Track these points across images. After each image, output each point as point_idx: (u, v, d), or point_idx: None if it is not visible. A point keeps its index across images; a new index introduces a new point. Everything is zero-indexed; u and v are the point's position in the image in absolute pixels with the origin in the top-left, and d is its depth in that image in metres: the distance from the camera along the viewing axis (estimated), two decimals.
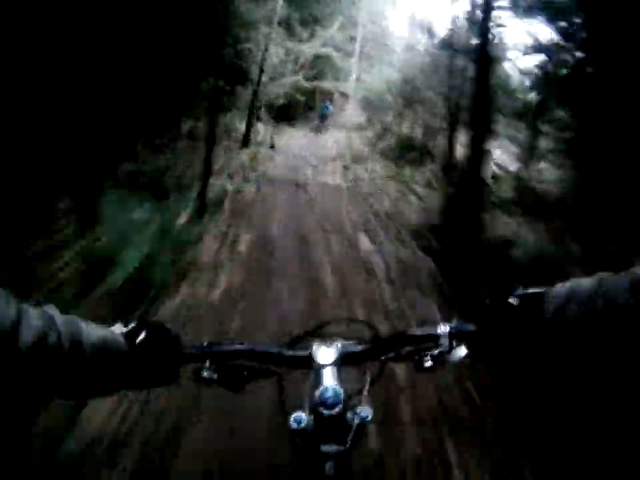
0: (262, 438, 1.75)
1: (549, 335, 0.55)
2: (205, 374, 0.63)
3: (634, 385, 1.57)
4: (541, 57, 5.80)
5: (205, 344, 0.64)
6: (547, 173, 5.67)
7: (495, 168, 6.47)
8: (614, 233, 3.25)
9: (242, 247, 4.24)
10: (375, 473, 1.62)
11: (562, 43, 5.07)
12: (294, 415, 0.65)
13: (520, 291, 0.59)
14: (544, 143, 5.90)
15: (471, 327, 0.63)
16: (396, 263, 4.06)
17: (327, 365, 0.63)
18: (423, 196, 6.58)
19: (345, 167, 8.95)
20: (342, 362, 0.65)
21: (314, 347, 0.65)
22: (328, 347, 0.65)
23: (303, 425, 0.64)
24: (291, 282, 3.47)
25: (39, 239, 3.13)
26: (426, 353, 0.63)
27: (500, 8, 5.17)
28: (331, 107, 14.69)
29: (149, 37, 4.84)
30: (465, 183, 5.10)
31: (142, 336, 0.58)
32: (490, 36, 4.87)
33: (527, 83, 6.67)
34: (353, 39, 15.18)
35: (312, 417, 0.63)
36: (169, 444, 1.78)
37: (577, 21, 4.75)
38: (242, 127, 9.03)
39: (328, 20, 13.79)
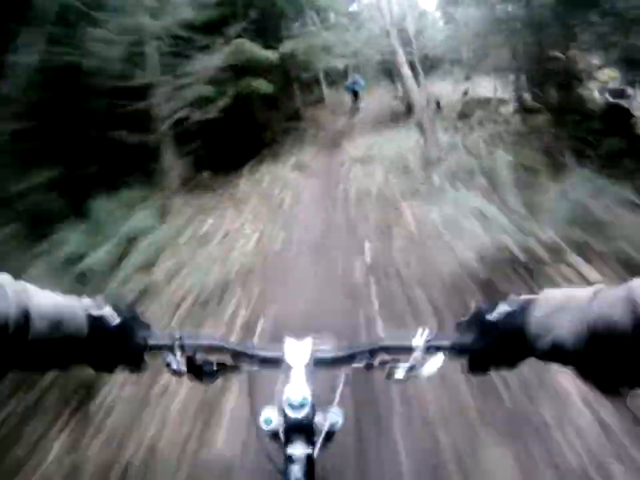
0: None
1: (533, 352, 0.51)
2: (174, 365, 0.61)
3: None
4: None
5: (177, 333, 0.62)
6: None
7: None
8: None
9: None
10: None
11: None
12: (265, 415, 0.64)
13: (504, 305, 0.55)
14: None
15: (447, 342, 0.59)
16: None
17: (296, 367, 0.63)
18: None
19: None
20: (313, 365, 0.64)
21: (286, 348, 0.65)
22: (299, 349, 0.65)
23: (272, 425, 0.63)
24: None
25: None
26: (398, 365, 0.61)
27: None
28: (362, 81, 13.01)
29: None
30: None
31: (106, 313, 0.56)
32: None
33: None
34: None
35: (281, 419, 0.62)
36: None
37: None
38: None
39: None
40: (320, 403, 0.64)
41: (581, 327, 0.43)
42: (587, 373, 0.45)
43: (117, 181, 4.57)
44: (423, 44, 12.63)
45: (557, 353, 0.47)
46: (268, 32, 9.34)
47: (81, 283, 3.05)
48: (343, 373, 0.70)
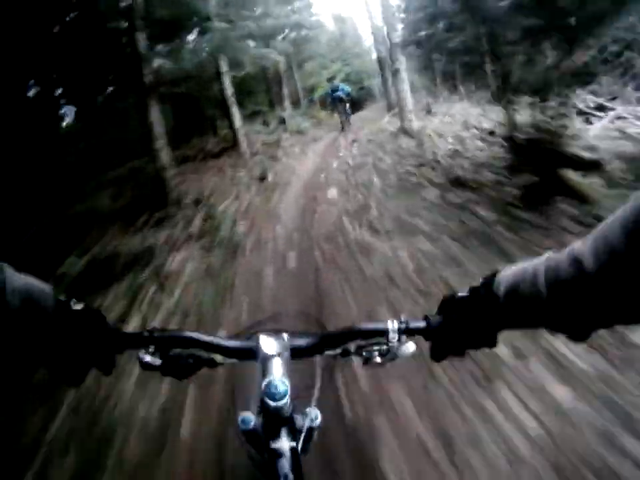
0: None
1: (501, 320, 0.55)
2: (147, 359, 0.59)
3: None
4: None
5: (147, 330, 0.61)
6: None
7: None
8: None
9: None
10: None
11: None
12: (242, 416, 0.63)
13: (472, 285, 0.59)
14: None
15: (421, 323, 0.61)
16: None
17: (273, 356, 0.62)
18: None
19: None
20: (289, 355, 0.63)
21: (260, 338, 0.64)
22: (275, 338, 0.64)
23: (251, 425, 0.62)
24: None
25: None
26: (375, 348, 0.62)
27: None
28: (347, 88, 11.38)
29: None
30: None
31: (76, 307, 0.56)
32: None
33: None
34: None
35: (260, 416, 0.62)
36: None
37: None
38: None
39: None
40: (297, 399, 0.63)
41: (540, 292, 0.48)
42: (556, 327, 0.50)
43: None
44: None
45: (525, 319, 0.53)
46: None
47: None
48: (317, 375, 0.70)
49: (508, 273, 0.54)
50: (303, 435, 0.61)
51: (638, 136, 4.45)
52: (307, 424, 0.62)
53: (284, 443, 0.59)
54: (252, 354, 0.63)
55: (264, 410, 0.60)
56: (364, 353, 0.63)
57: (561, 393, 1.59)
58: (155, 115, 5.37)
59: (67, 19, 5.60)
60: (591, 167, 3.34)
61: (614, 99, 5.70)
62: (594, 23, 3.07)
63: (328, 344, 0.64)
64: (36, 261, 3.44)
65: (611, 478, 1.26)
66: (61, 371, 0.55)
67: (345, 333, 0.64)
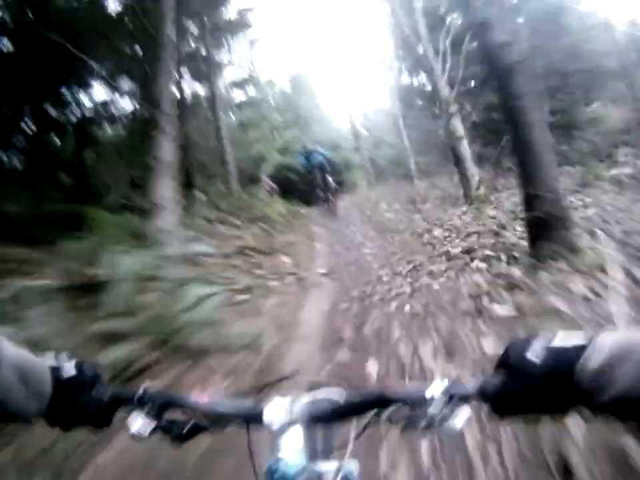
0: None
1: (586, 404, 0.44)
2: (138, 421, 0.56)
3: None
4: None
5: (141, 388, 0.58)
6: None
7: None
8: None
9: None
10: None
11: None
12: None
13: (542, 343, 0.47)
14: None
15: (472, 389, 0.51)
16: None
17: (285, 426, 0.55)
18: None
19: None
20: (307, 420, 0.55)
21: (270, 402, 0.57)
22: (288, 402, 0.56)
23: None
24: None
25: None
26: (413, 417, 0.52)
27: None
28: (326, 152, 9.35)
29: None
30: None
31: (70, 372, 0.56)
32: None
33: None
34: None
35: None
36: None
37: None
38: None
39: None
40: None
41: None
42: None
43: None
44: None
45: (617, 410, 0.41)
46: None
47: None
48: (352, 426, 0.58)
49: (606, 342, 0.43)
50: None
51: None
52: None
53: None
54: (259, 419, 0.56)
55: None
56: (400, 421, 0.53)
57: None
58: None
59: None
60: None
61: None
62: None
63: (354, 409, 0.56)
64: None
65: None
66: (55, 426, 0.56)
67: (375, 398, 0.54)
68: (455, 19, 8.92)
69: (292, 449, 0.53)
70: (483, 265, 3.74)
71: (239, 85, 18.75)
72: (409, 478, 1.42)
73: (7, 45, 6.58)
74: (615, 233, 3.59)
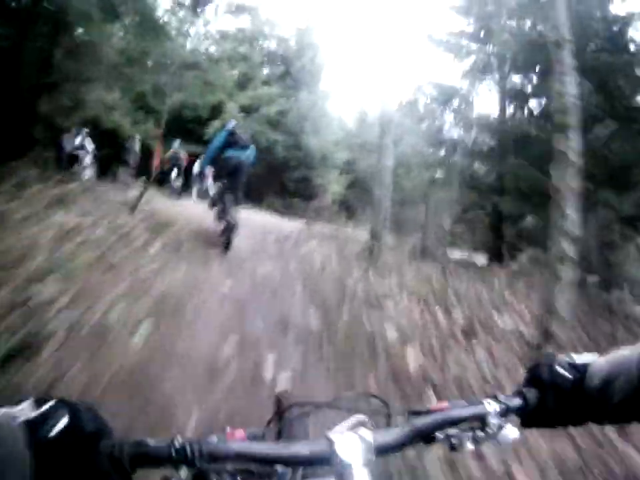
0: None
1: (590, 411, 0.53)
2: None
3: None
4: None
5: (176, 442, 0.42)
6: None
7: None
8: None
9: None
10: None
11: None
12: None
13: (564, 360, 0.56)
14: None
15: (520, 401, 0.55)
16: None
17: (355, 466, 0.45)
18: None
19: None
20: (374, 456, 0.47)
21: (335, 439, 0.47)
22: (355, 438, 0.47)
23: None
24: None
25: None
26: (466, 433, 0.53)
27: None
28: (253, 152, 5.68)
29: None
30: None
31: (59, 426, 0.37)
32: None
33: None
34: None
35: None
36: None
37: None
38: None
39: None
40: None
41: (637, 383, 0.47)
42: None
43: None
44: None
45: (618, 415, 0.51)
46: None
47: None
48: None
49: (602, 362, 0.53)
50: None
51: None
52: None
53: None
54: (324, 461, 0.47)
55: None
56: (452, 440, 0.53)
57: None
58: None
59: None
60: None
61: None
62: None
63: (418, 435, 0.53)
64: None
65: None
66: None
67: (438, 421, 0.53)
68: None
69: None
70: None
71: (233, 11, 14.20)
72: None
73: None
74: None
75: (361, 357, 3.10)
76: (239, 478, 0.51)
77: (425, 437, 0.52)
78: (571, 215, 3.37)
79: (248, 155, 5.51)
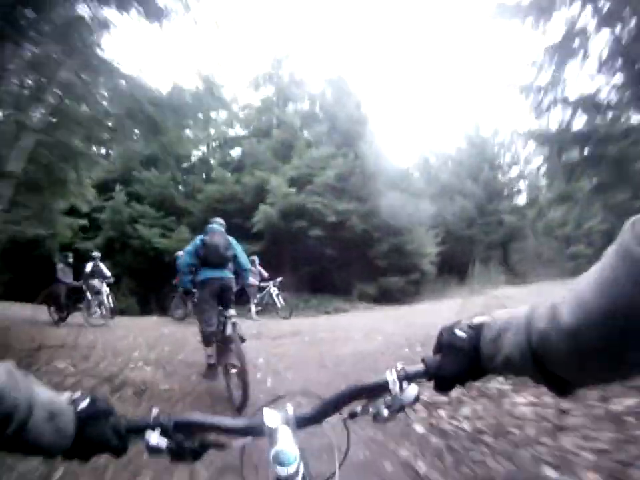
0: None
1: (487, 370, 0.57)
2: (153, 442, 0.61)
3: None
4: None
5: (152, 415, 0.63)
6: None
7: None
8: None
9: None
10: None
11: None
12: None
13: (463, 323, 0.60)
14: None
15: (419, 367, 0.62)
16: None
17: (278, 428, 0.63)
18: None
19: None
20: (296, 425, 0.65)
21: (264, 413, 0.65)
22: (278, 411, 0.65)
23: None
24: None
25: None
26: (379, 402, 0.62)
27: None
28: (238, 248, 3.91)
29: None
30: None
31: (85, 405, 0.59)
32: None
33: None
34: None
35: None
36: None
37: None
38: None
39: None
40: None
41: (522, 341, 0.49)
42: (538, 380, 0.50)
43: None
44: None
45: (507, 368, 0.54)
46: None
47: None
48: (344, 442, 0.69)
49: (496, 319, 0.57)
50: None
51: None
52: None
53: None
54: (258, 430, 0.64)
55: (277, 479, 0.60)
56: (370, 409, 0.63)
57: None
58: None
59: None
60: None
61: None
62: None
63: (332, 408, 0.65)
64: None
65: None
66: (73, 459, 0.59)
67: (346, 394, 0.65)
68: None
69: (285, 444, 0.60)
70: None
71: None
72: None
73: None
74: None
75: None
76: (197, 443, 0.62)
77: (340, 409, 0.64)
78: None
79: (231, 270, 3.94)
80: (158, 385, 3.59)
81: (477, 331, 0.57)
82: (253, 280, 7.99)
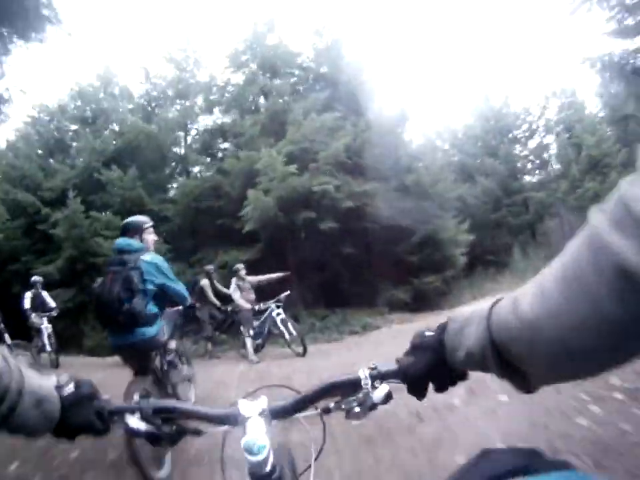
0: None
1: (452, 365, 0.57)
2: (132, 425, 0.64)
3: None
4: None
5: (134, 400, 0.68)
6: None
7: None
8: None
9: None
10: None
11: None
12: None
13: (428, 331, 0.61)
14: None
15: (392, 366, 0.63)
16: None
17: (251, 417, 0.64)
18: None
19: None
20: (270, 416, 0.65)
21: (240, 404, 0.66)
22: (253, 402, 0.66)
23: None
24: None
25: None
26: (352, 399, 0.64)
27: None
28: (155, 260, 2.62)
29: None
30: None
31: (71, 390, 0.63)
32: None
33: None
34: None
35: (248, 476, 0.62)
36: None
37: None
38: None
39: None
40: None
41: (483, 333, 0.48)
42: (501, 375, 0.48)
43: None
44: None
45: (470, 362, 0.52)
46: None
47: None
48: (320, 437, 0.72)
49: (457, 315, 0.56)
50: None
51: None
52: None
53: None
54: (234, 419, 0.65)
55: (248, 467, 0.61)
56: (343, 406, 0.64)
57: None
58: None
59: None
60: None
61: None
62: None
63: (306, 403, 0.67)
64: None
65: None
66: (61, 437, 0.63)
67: (320, 390, 0.66)
68: None
69: (257, 433, 0.61)
70: None
71: None
72: None
73: None
74: None
75: None
76: (174, 428, 0.66)
77: (315, 403, 0.67)
78: None
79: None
80: None
81: (443, 327, 0.58)
82: (242, 302, 5.34)
